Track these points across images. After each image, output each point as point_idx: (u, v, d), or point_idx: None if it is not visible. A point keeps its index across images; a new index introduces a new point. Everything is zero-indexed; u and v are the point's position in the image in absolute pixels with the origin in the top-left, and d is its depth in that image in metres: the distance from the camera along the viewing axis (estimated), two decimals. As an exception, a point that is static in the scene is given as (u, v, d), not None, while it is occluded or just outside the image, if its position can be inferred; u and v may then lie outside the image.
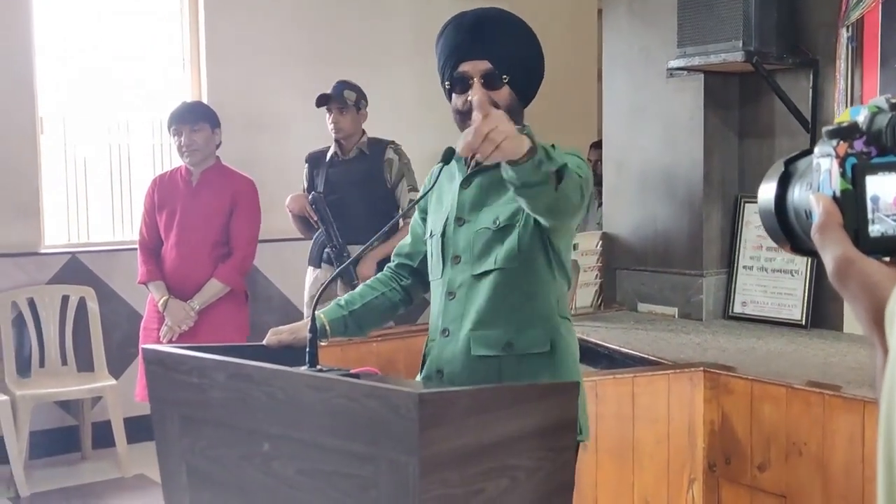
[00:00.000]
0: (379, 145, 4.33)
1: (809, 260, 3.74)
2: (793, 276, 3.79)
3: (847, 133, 0.79)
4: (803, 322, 3.72)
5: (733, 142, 4.05)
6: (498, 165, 2.21)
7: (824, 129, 0.81)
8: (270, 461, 1.87)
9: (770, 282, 3.87)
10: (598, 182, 4.75)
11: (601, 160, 4.68)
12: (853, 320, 3.59)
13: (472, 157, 2.26)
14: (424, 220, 2.38)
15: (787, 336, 3.60)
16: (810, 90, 3.71)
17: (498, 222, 2.18)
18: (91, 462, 5.08)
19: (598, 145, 5.35)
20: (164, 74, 5.60)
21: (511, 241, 2.16)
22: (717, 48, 3.66)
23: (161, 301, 4.21)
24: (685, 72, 3.94)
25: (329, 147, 4.39)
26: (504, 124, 1.77)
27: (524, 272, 2.17)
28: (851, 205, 0.79)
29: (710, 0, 3.67)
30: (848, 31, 3.54)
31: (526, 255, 2.16)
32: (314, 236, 4.35)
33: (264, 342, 2.23)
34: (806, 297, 3.74)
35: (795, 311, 3.76)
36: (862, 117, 0.80)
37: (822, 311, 3.71)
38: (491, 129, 1.74)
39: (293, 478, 1.83)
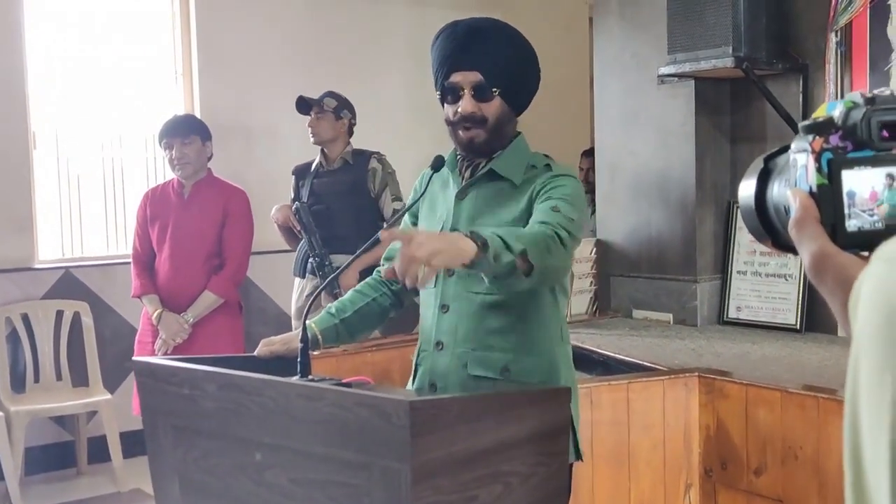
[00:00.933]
0: (363, 156, 4.36)
1: (803, 264, 3.74)
2: (787, 280, 3.80)
3: (823, 128, 0.79)
4: (798, 326, 3.72)
5: (725, 147, 4.06)
6: (496, 178, 2.22)
7: (800, 124, 0.81)
8: (263, 471, 1.86)
9: (764, 286, 3.87)
10: (591, 190, 4.75)
11: (593, 168, 4.68)
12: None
13: (467, 168, 2.27)
14: (415, 224, 2.38)
15: (782, 340, 3.60)
16: (800, 95, 3.72)
17: None
18: (87, 477, 5.06)
19: (589, 153, 5.35)
20: (156, 88, 5.60)
21: None
22: (707, 54, 3.67)
23: (155, 314, 4.20)
24: (676, 78, 3.95)
25: (315, 159, 4.41)
26: (431, 242, 1.75)
27: (526, 298, 2.16)
28: (828, 200, 0.79)
29: (700, 7, 3.68)
30: (837, 35, 3.55)
31: None
32: (298, 246, 4.37)
33: (256, 353, 2.22)
34: (800, 302, 3.74)
35: (790, 315, 3.76)
36: (837, 112, 0.80)
37: (816, 315, 3.71)
38: (414, 252, 1.72)
39: (286, 487, 1.83)
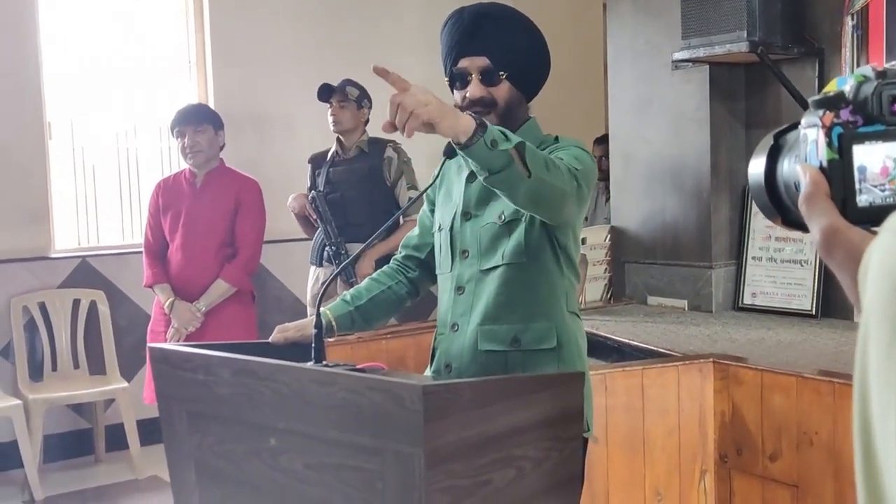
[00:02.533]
0: (379, 144, 4.36)
1: (813, 240, 3.72)
2: (802, 266, 3.78)
3: (833, 102, 0.79)
4: (813, 312, 3.71)
5: (740, 132, 4.04)
6: None
7: (811, 99, 0.80)
8: (278, 456, 1.87)
9: (779, 272, 3.85)
10: (605, 177, 4.74)
11: (606, 155, 4.66)
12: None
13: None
14: (433, 212, 2.38)
15: (798, 326, 3.59)
16: (816, 79, 3.69)
17: (503, 217, 2.17)
18: (105, 465, 5.10)
19: (601, 141, 5.32)
20: (170, 78, 5.62)
21: (517, 236, 2.16)
22: (721, 39, 3.64)
23: (167, 303, 4.22)
24: (690, 64, 3.93)
25: (331, 147, 4.42)
26: (421, 94, 1.77)
27: (531, 267, 2.16)
28: (838, 175, 0.78)
29: (714, -9, 3.66)
30: (853, 19, 3.53)
31: (532, 251, 2.16)
32: (315, 235, 4.38)
33: (270, 339, 2.23)
34: (816, 287, 3.72)
35: (805, 301, 3.74)
36: (848, 87, 0.79)
37: (832, 300, 3.69)
38: (402, 99, 1.75)
39: (301, 472, 1.83)
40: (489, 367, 2.16)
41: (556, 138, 2.25)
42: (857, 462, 0.67)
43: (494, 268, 2.18)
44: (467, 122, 1.80)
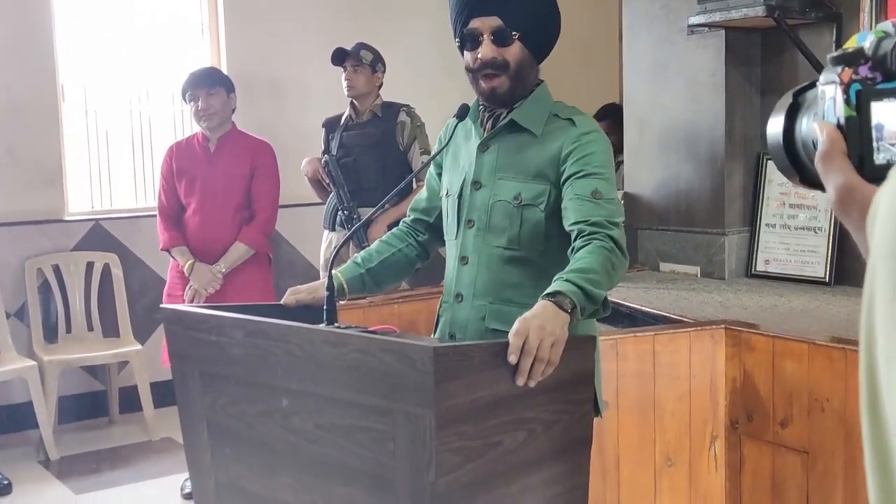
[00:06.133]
0: (392, 108, 4.35)
1: (833, 217, 3.70)
2: (816, 233, 3.76)
3: (852, 59, 0.77)
4: (827, 279, 3.69)
5: (755, 99, 4.00)
6: (516, 130, 2.21)
7: (829, 55, 0.79)
8: (290, 416, 1.89)
9: (793, 239, 3.83)
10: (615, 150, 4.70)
11: (612, 129, 4.62)
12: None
13: (489, 119, 2.25)
14: (440, 175, 2.38)
15: (811, 293, 3.58)
16: (833, 45, 3.65)
17: (521, 200, 2.16)
18: (118, 426, 5.15)
19: (605, 115, 5.22)
20: (183, 42, 5.60)
21: (533, 221, 2.15)
22: (738, 3, 3.60)
23: (187, 265, 4.23)
24: (706, 28, 3.89)
25: (345, 111, 4.41)
26: (544, 337, 1.76)
27: (546, 253, 2.16)
28: (855, 132, 0.77)
29: (732, -46, 3.61)
30: (872, -17, 3.48)
31: (549, 238, 2.15)
32: (328, 199, 4.38)
33: (282, 301, 2.24)
34: (829, 255, 3.70)
35: (819, 268, 3.73)
36: (868, 43, 0.78)
37: (845, 268, 3.68)
38: (539, 352, 1.75)
39: (312, 432, 1.85)
40: None
41: (571, 119, 2.20)
42: (862, 405, 0.66)
43: (506, 248, 2.17)
44: (566, 320, 1.82)
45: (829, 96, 0.80)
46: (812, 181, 0.86)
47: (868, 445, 0.66)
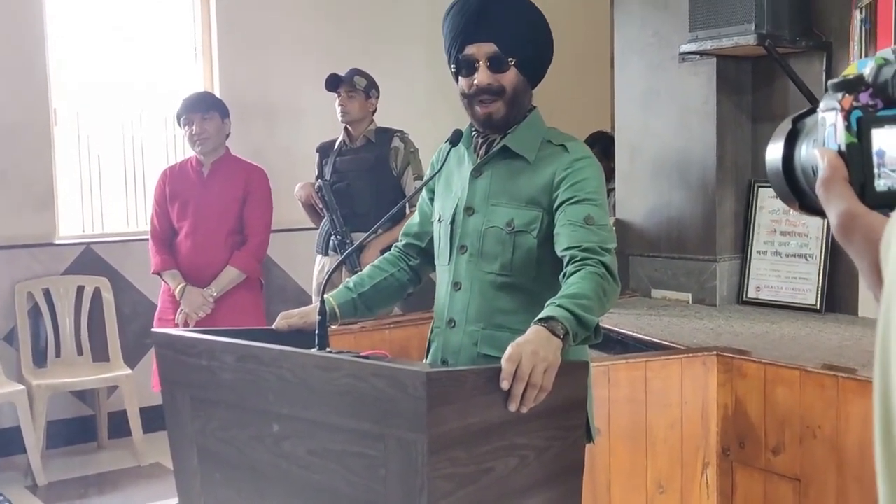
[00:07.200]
0: (386, 134, 4.37)
1: (824, 244, 3.72)
2: (807, 260, 3.77)
3: (852, 86, 0.78)
4: (818, 307, 3.70)
5: (746, 126, 4.03)
6: (510, 156, 2.21)
7: (830, 82, 0.80)
8: (281, 442, 1.87)
9: (784, 266, 3.84)
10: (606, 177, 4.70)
11: (603, 155, 4.63)
12: (869, 304, 3.56)
13: (482, 145, 2.26)
14: (432, 200, 2.38)
15: (802, 320, 3.58)
16: (824, 73, 3.68)
17: (513, 226, 2.16)
18: (107, 451, 5.11)
19: (594, 141, 5.22)
20: (176, 66, 5.61)
21: (526, 248, 2.15)
22: (729, 32, 3.63)
23: (178, 289, 4.23)
24: (698, 56, 3.92)
25: (339, 137, 4.42)
26: (537, 363, 1.75)
27: (538, 279, 2.16)
28: (857, 159, 0.77)
29: (723, -17, 3.65)
30: (861, 13, 3.51)
31: (541, 264, 2.15)
32: (321, 224, 4.39)
33: (274, 326, 2.23)
34: (820, 282, 3.71)
35: (810, 295, 3.74)
36: (868, 69, 0.78)
37: (836, 295, 3.69)
38: (531, 378, 1.74)
39: (303, 458, 1.83)
40: None
41: (563, 145, 2.20)
42: (877, 430, 0.66)
43: (499, 274, 2.17)
44: (559, 345, 1.81)
45: (830, 123, 0.80)
46: (811, 207, 0.86)
47: (882, 475, 0.66)
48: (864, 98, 0.77)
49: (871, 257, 0.74)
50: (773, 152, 0.89)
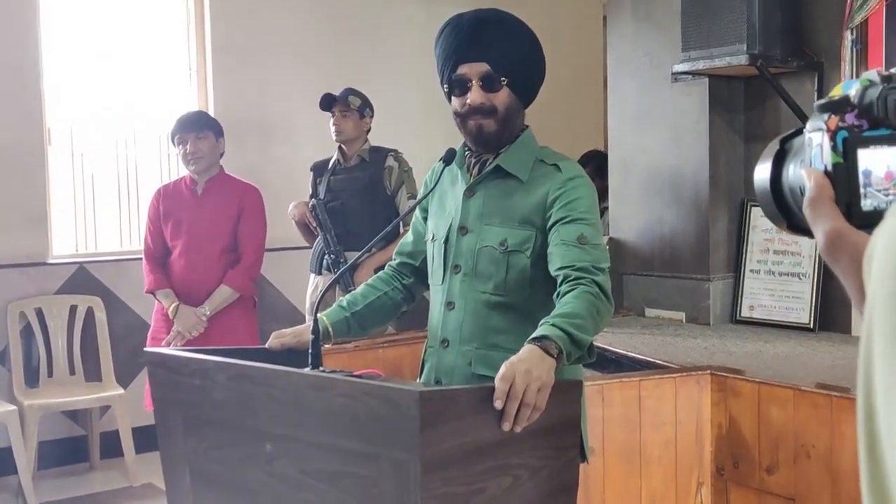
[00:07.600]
0: (380, 153, 4.38)
1: (817, 263, 3.73)
2: (800, 279, 3.78)
3: (838, 107, 0.79)
4: (811, 325, 3.70)
5: (739, 145, 4.04)
6: (503, 175, 2.22)
7: (816, 103, 0.80)
8: (273, 461, 1.87)
9: (777, 285, 3.85)
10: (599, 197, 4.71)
11: (596, 174, 4.65)
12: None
13: (475, 165, 2.26)
14: (426, 219, 2.38)
15: (795, 339, 3.58)
16: (815, 93, 3.70)
17: (507, 246, 2.17)
18: (99, 472, 5.08)
19: (587, 161, 5.23)
20: (170, 85, 5.62)
21: (519, 267, 2.15)
22: (721, 52, 3.66)
23: (171, 307, 4.22)
24: (690, 76, 3.94)
25: (333, 156, 4.43)
26: (530, 382, 1.75)
27: (531, 299, 2.16)
28: (843, 178, 0.78)
29: (715, 4, 3.67)
30: (852, 33, 3.53)
31: (534, 284, 2.15)
32: (315, 243, 4.39)
33: (267, 345, 2.22)
34: (813, 301, 3.72)
35: (803, 314, 3.74)
36: (853, 91, 0.79)
37: (830, 314, 3.69)
38: (525, 398, 1.73)
39: (296, 478, 1.83)
40: None
41: (556, 165, 2.21)
42: (861, 447, 0.66)
43: (493, 294, 2.17)
44: (552, 364, 1.82)
45: (817, 143, 0.81)
46: (799, 227, 0.87)
47: (867, 491, 0.66)
48: (850, 119, 0.78)
49: (857, 276, 0.74)
50: (762, 172, 0.90)
